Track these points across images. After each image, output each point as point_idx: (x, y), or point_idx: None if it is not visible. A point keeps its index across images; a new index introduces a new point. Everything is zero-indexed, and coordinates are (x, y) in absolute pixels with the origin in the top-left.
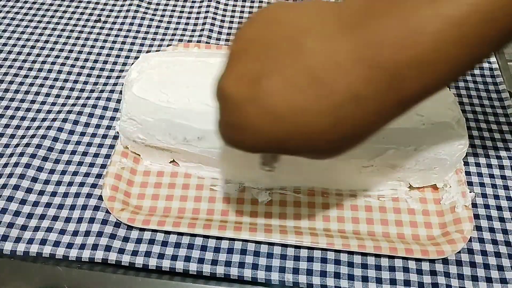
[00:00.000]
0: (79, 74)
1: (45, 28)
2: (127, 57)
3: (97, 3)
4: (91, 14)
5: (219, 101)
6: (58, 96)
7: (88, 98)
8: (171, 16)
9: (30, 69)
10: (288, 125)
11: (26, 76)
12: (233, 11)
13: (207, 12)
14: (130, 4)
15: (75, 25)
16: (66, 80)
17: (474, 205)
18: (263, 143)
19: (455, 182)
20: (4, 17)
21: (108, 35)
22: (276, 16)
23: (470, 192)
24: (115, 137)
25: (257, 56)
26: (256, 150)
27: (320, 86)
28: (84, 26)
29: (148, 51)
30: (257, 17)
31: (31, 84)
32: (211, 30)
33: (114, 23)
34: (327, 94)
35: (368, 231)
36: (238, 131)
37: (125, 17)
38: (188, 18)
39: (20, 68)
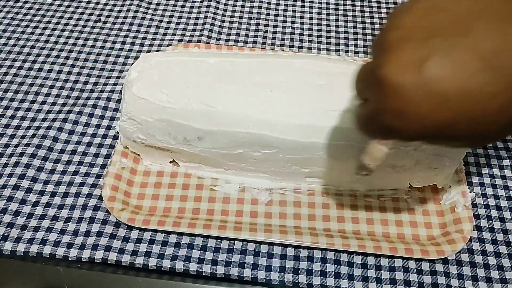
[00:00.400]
0: (79, 74)
1: (45, 28)
2: (127, 57)
3: (97, 3)
4: (91, 14)
5: (377, 90)
6: (58, 96)
7: (88, 98)
8: (171, 16)
9: (30, 69)
10: (457, 108)
11: (26, 76)
12: (233, 11)
13: (207, 12)
14: (130, 4)
15: (75, 25)
16: (66, 80)
17: (474, 205)
18: (426, 128)
19: (455, 182)
20: (4, 17)
21: (108, 35)
22: (436, 4)
23: (470, 192)
24: (115, 137)
25: (422, 42)
26: (415, 137)
27: (493, 69)
28: (84, 26)
29: (148, 51)
30: (414, 6)
31: (31, 84)
32: (211, 30)
33: (114, 23)
34: (501, 77)
35: (368, 231)
36: (400, 118)
37: (125, 17)
38: (188, 18)
39: (20, 68)
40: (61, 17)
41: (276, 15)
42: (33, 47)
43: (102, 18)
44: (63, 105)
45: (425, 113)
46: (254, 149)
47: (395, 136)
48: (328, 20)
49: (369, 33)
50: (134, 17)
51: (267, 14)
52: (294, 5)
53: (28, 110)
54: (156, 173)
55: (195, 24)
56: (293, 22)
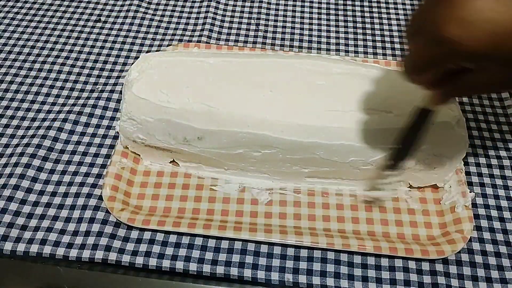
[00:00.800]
0: (79, 74)
1: (45, 28)
2: (127, 57)
3: (97, 3)
4: (91, 14)
5: (440, 5)
6: (58, 96)
7: (88, 98)
8: (171, 16)
9: (30, 69)
10: None
11: (26, 76)
12: (233, 11)
13: (207, 12)
14: (130, 4)
15: (75, 25)
16: (66, 80)
17: (474, 205)
18: (488, 36)
19: (455, 182)
20: (4, 17)
21: (108, 35)
22: None
23: (470, 192)
24: (115, 137)
25: None
26: (476, 50)
27: None
28: (84, 26)
29: (148, 51)
30: None
31: (31, 84)
32: (211, 30)
33: (114, 23)
34: None
35: (368, 231)
36: (464, 25)
37: (125, 17)
38: (188, 18)
39: (20, 68)
40: (61, 17)
41: (276, 15)
42: (33, 47)
43: (102, 18)
44: (63, 105)
45: (491, 19)
46: (254, 149)
47: (456, 55)
48: (328, 20)
49: (369, 33)
50: (134, 17)
51: (267, 14)
52: (294, 5)
53: (28, 110)
54: (156, 173)
55: (195, 24)
56: (293, 22)
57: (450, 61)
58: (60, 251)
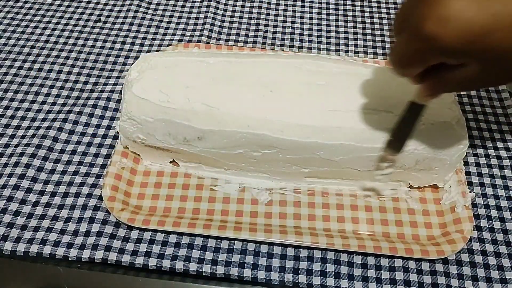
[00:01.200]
0: (79, 74)
1: (45, 28)
2: (127, 57)
3: (97, 3)
4: (91, 14)
5: (420, 4)
6: (58, 96)
7: (88, 98)
8: (171, 16)
9: (30, 69)
10: (496, 14)
11: (26, 76)
12: (233, 11)
13: (207, 12)
14: (130, 4)
15: (75, 25)
16: (66, 80)
17: (474, 205)
18: (468, 34)
19: (455, 182)
20: (4, 17)
21: (108, 35)
22: None
23: (470, 192)
24: (115, 137)
25: None
26: (456, 47)
27: None
28: (84, 26)
29: (148, 51)
30: None
31: (31, 84)
32: (211, 30)
33: (114, 23)
34: None
35: (368, 231)
36: (444, 24)
37: (125, 17)
38: (188, 18)
39: (20, 68)
40: (61, 17)
41: (276, 15)
42: (33, 47)
43: (102, 18)
44: (63, 105)
45: (467, 18)
46: (254, 149)
47: (436, 51)
48: (328, 20)
49: (369, 33)
50: (134, 17)
51: (267, 14)
52: (294, 5)
53: (28, 110)
54: (156, 173)
55: (195, 24)
56: (293, 22)
57: (431, 56)
58: (60, 251)
